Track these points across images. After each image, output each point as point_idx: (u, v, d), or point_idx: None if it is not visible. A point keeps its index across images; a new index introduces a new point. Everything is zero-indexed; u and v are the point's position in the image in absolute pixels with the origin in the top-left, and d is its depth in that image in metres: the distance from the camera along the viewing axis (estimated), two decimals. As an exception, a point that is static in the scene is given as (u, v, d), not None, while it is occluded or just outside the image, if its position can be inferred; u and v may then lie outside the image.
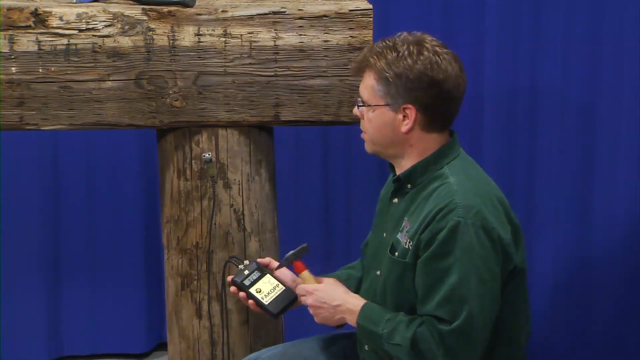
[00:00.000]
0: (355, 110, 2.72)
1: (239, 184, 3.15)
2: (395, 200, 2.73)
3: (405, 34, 2.68)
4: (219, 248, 3.15)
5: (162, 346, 4.13)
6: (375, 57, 2.64)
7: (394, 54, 2.61)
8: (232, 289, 2.87)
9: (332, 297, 2.72)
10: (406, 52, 2.61)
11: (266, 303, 2.83)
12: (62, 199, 4.02)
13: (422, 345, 2.57)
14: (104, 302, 4.10)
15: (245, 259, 3.01)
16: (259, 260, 2.95)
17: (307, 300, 2.76)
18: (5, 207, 3.98)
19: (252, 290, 2.84)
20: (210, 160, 3.11)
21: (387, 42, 2.66)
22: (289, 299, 2.85)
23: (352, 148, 3.93)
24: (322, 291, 2.75)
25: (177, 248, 3.19)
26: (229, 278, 2.90)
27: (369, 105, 2.66)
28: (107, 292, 4.09)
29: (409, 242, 2.62)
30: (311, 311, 2.76)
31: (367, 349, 2.73)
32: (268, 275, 2.89)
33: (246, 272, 2.86)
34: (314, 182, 4.02)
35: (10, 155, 3.94)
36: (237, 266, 2.92)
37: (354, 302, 2.70)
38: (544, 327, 3.88)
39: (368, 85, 2.66)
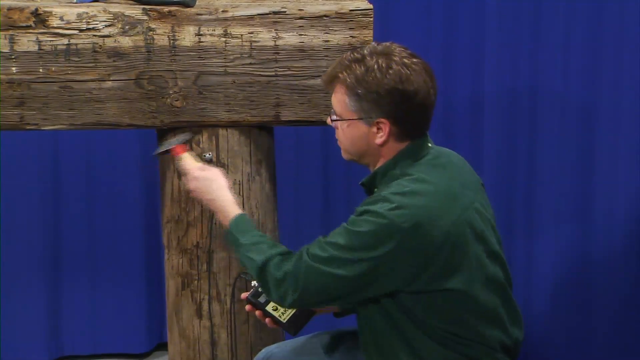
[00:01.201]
0: (329, 121, 2.70)
1: (239, 184, 3.15)
2: None
3: (373, 44, 2.65)
4: (219, 248, 3.15)
5: (162, 346, 4.13)
6: (344, 72, 2.60)
7: (363, 69, 2.58)
8: (248, 307, 2.84)
9: (209, 190, 2.85)
10: (375, 66, 2.57)
11: (284, 321, 2.80)
12: (62, 199, 4.02)
13: (270, 269, 2.62)
14: (104, 302, 4.10)
15: None
16: None
17: (189, 183, 2.89)
18: (6, 207, 3.98)
19: (269, 308, 2.80)
20: (211, 160, 3.11)
21: (355, 54, 2.62)
22: (306, 315, 2.83)
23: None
24: (203, 180, 2.85)
25: (177, 248, 3.19)
26: (243, 295, 2.86)
27: (342, 120, 2.65)
28: (107, 292, 4.09)
29: None
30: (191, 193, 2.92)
31: None
32: None
33: (260, 289, 2.79)
34: (314, 182, 4.02)
35: (10, 155, 3.94)
36: (250, 281, 2.86)
37: (227, 204, 2.81)
38: (544, 327, 3.88)
39: (340, 100, 2.63)
